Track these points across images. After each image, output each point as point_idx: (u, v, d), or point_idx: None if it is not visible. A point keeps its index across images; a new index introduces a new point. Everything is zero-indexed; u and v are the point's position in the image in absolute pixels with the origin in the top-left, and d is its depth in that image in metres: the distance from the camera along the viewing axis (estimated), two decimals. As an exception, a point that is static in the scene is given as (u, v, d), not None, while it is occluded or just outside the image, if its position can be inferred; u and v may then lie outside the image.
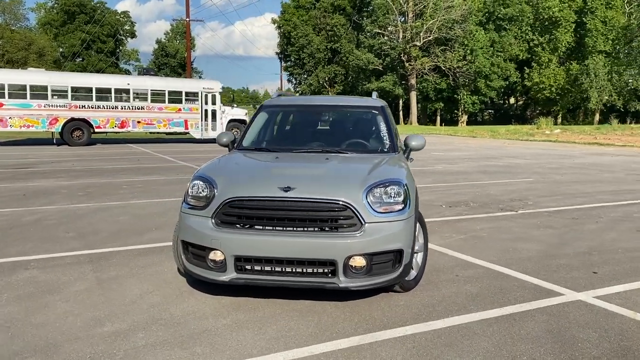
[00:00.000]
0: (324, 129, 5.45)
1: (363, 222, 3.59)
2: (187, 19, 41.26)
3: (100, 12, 68.97)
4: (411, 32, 48.38)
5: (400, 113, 54.88)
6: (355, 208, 3.60)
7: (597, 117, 50.35)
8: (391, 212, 3.68)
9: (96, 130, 22.40)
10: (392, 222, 3.66)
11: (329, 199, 3.62)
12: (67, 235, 6.11)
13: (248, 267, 3.71)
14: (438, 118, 55.15)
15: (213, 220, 3.77)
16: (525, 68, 51.17)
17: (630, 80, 47.58)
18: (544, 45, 49.97)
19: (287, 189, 3.67)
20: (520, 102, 64.68)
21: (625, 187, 10.48)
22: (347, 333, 3.42)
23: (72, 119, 21.75)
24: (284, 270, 3.65)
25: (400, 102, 54.35)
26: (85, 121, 22.01)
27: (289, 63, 66.83)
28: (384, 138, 4.97)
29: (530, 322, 3.60)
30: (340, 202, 3.61)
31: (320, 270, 3.62)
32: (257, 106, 6.28)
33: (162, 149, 20.59)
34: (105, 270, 4.78)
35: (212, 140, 25.23)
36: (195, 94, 24.20)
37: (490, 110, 64.29)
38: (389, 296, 4.09)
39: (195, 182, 4.02)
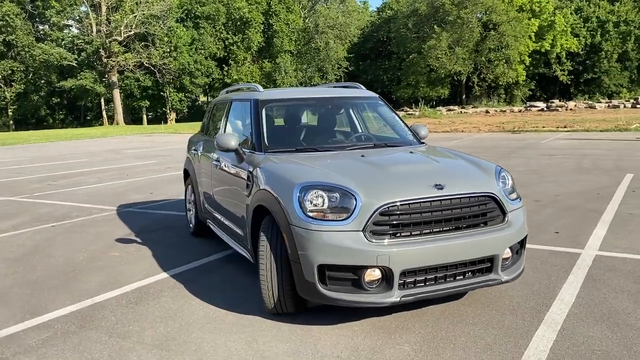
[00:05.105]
0: (348, 122, 5.01)
1: (506, 212, 3.60)
2: None
3: None
4: (108, 27, 45.18)
5: (104, 113, 50.88)
6: (500, 199, 3.57)
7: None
8: (515, 199, 3.77)
9: None
10: (519, 209, 3.75)
11: (481, 192, 3.51)
12: (-38, 303, 4.15)
13: (411, 280, 3.31)
14: (144, 117, 53.08)
15: (365, 234, 3.23)
16: (224, 65, 53.43)
17: (312, 76, 54.47)
18: (238, 44, 52.96)
19: (440, 187, 3.41)
20: (210, 99, 67.10)
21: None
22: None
23: None
24: (447, 275, 3.39)
25: (102, 100, 50.38)
26: None
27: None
28: (404, 127, 4.89)
29: (615, 279, 4.16)
30: (490, 194, 3.53)
31: (480, 267, 3.49)
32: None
33: None
34: (138, 331, 3.52)
35: None
36: None
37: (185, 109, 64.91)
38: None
39: (315, 192, 3.32)
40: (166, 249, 5.55)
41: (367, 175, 3.55)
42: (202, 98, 66.77)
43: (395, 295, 3.24)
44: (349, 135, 4.88)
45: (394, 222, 3.29)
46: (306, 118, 5.02)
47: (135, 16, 44.88)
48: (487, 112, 39.55)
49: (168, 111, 51.73)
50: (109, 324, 3.67)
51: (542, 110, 37.69)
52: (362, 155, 3.99)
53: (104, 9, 46.35)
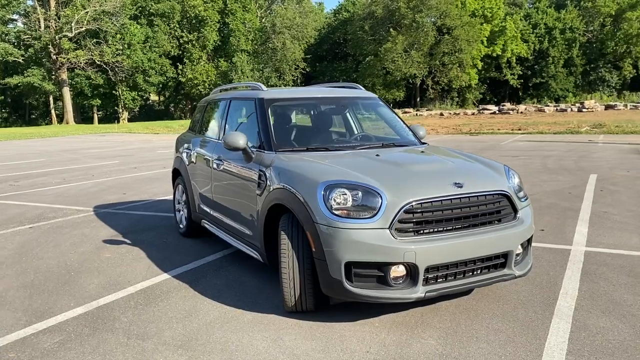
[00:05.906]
0: (352, 122, 5.05)
1: (517, 209, 3.74)
2: None
3: None
4: (57, 22, 43.56)
5: (52, 111, 49.02)
6: (512, 196, 3.70)
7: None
8: (523, 197, 3.91)
9: None
10: (527, 207, 3.89)
11: (496, 190, 3.62)
12: (-44, 308, 3.95)
13: (433, 276, 3.39)
14: (95, 116, 51.46)
15: (391, 231, 3.28)
16: (179, 64, 52.50)
17: (269, 76, 54.18)
18: (193, 42, 52.19)
19: (459, 185, 3.50)
20: (162, 99, 65.41)
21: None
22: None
23: None
24: (466, 271, 3.49)
25: (51, 99, 48.52)
26: None
27: None
28: (405, 128, 4.97)
29: (609, 273, 4.37)
30: (504, 192, 3.65)
31: (495, 263, 3.59)
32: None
33: None
34: (156, 332, 3.46)
35: None
36: None
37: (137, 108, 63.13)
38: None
39: (339, 190, 3.36)
40: (159, 250, 5.44)
41: (388, 174, 3.61)
42: (154, 97, 65.18)
43: (420, 291, 3.32)
44: (354, 135, 4.94)
45: (418, 220, 3.37)
46: (312, 117, 5.03)
47: (87, 12, 43.51)
48: (441, 114, 40.46)
49: (120, 110, 50.38)
50: (123, 326, 3.58)
51: (494, 113, 38.87)
52: (377, 155, 4.04)
53: (52, 3, 44.70)
